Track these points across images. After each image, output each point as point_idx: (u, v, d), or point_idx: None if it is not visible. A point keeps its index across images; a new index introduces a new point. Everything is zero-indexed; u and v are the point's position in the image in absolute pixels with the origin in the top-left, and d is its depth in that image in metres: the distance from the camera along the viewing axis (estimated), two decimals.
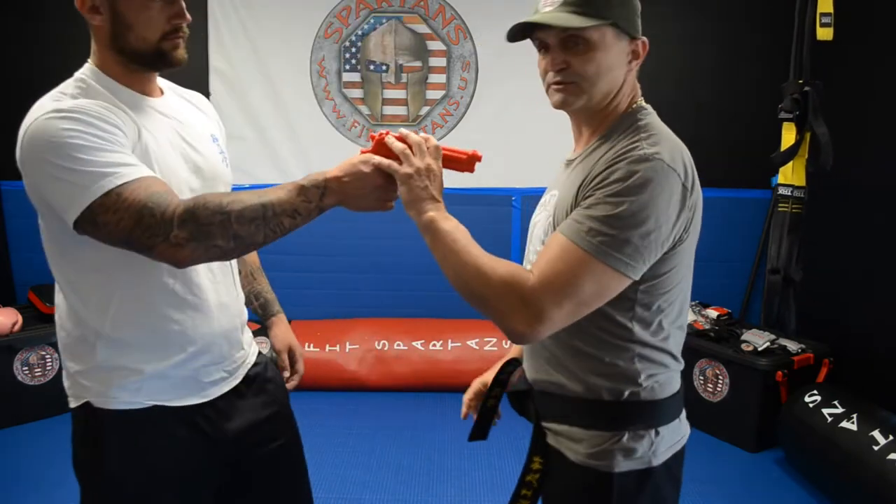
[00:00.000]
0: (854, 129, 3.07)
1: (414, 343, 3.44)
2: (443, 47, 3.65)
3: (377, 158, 1.07)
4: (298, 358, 1.53)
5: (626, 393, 1.06)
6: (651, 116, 1.09)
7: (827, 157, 2.89)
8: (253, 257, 1.55)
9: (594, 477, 1.06)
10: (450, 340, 3.44)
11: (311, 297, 3.74)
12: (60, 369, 3.02)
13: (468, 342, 3.44)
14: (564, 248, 0.97)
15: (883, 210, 2.95)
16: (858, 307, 3.10)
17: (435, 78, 3.68)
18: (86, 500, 1.21)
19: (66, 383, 1.21)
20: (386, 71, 3.67)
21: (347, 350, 3.41)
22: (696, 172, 1.04)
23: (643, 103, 1.12)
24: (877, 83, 3.04)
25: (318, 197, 1.06)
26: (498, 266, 0.99)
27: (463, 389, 1.40)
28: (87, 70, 1.15)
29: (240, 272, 1.45)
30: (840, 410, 2.50)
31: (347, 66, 3.66)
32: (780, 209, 3.18)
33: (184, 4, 1.13)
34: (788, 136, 3.08)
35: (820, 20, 2.90)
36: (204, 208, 1.01)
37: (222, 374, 1.27)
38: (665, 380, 1.09)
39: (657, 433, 1.07)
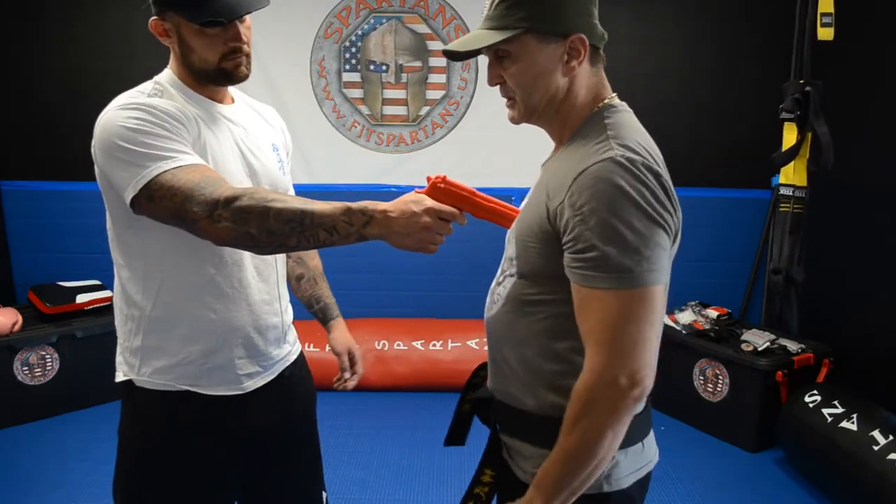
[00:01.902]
0: (853, 128, 3.07)
1: (414, 343, 3.44)
2: (443, 47, 3.65)
3: (430, 201, 1.07)
4: (358, 360, 1.63)
5: None
6: (618, 115, 1.00)
7: (828, 157, 2.89)
8: (316, 262, 1.64)
9: None
10: (450, 340, 3.43)
11: None
12: (60, 369, 3.06)
13: (468, 342, 3.43)
14: (599, 300, 0.90)
15: (883, 210, 2.95)
16: (858, 307, 3.10)
17: (435, 78, 3.67)
18: (119, 467, 1.30)
19: (117, 360, 1.30)
20: (386, 71, 3.67)
21: None
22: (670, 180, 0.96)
23: (614, 101, 1.03)
24: (876, 82, 3.04)
25: (361, 223, 1.06)
26: (569, 413, 0.92)
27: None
28: (164, 75, 1.27)
29: (301, 276, 1.60)
30: (840, 410, 2.49)
31: (347, 66, 3.66)
32: (781, 209, 3.18)
33: (241, 27, 1.21)
34: (790, 136, 3.08)
35: (821, 20, 2.90)
36: (250, 197, 1.06)
37: (257, 369, 1.33)
38: None
39: (611, 458, 0.98)
